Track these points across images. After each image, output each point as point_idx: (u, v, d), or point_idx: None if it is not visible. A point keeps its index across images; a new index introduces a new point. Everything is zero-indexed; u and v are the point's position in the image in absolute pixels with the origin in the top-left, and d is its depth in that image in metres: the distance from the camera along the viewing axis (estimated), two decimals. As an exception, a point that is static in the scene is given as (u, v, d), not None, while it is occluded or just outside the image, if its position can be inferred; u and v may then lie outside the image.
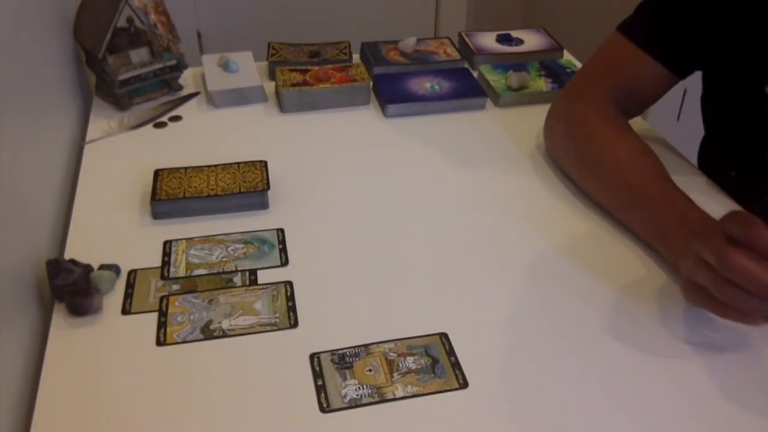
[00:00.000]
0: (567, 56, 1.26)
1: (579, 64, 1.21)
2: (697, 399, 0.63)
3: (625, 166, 0.82)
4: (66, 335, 0.68)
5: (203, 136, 1.02)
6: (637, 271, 0.78)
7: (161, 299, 0.72)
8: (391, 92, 1.10)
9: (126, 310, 0.71)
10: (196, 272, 0.76)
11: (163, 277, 0.75)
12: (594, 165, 0.86)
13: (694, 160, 0.99)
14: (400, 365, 0.65)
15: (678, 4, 0.86)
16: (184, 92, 1.12)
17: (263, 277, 0.76)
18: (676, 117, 1.87)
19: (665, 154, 0.98)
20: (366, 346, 0.67)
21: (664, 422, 0.61)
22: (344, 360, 0.66)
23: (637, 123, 1.06)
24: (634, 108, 0.94)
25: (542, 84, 1.14)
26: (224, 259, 0.78)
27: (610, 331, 0.70)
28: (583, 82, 0.95)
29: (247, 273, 0.76)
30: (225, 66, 1.14)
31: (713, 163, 0.97)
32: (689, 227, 0.71)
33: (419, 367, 0.65)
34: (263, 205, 0.87)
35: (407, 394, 0.63)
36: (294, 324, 0.70)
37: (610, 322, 0.71)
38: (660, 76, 0.89)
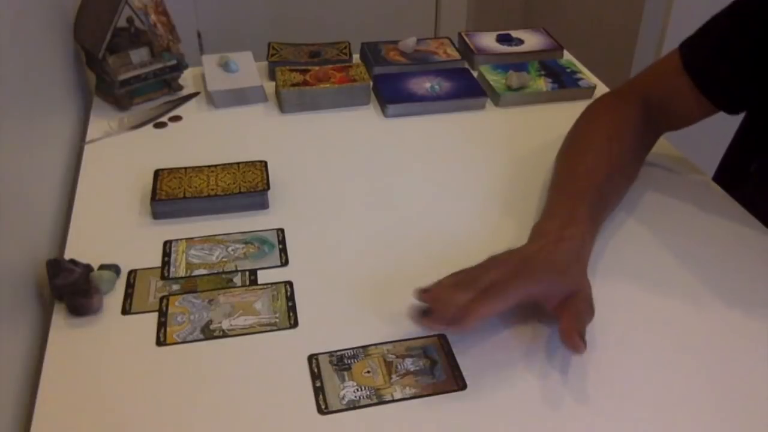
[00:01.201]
0: (567, 56, 1.26)
1: (579, 64, 1.22)
2: (698, 402, 0.63)
3: (586, 151, 0.84)
4: (66, 335, 0.68)
5: (203, 136, 1.02)
6: (637, 271, 0.78)
7: (161, 299, 0.73)
8: (391, 92, 1.10)
9: (126, 310, 0.71)
10: (196, 272, 0.76)
11: (163, 277, 0.75)
12: (570, 138, 0.89)
13: (692, 159, 0.99)
14: (399, 367, 0.65)
15: (738, 42, 0.83)
16: (184, 92, 1.12)
17: (263, 277, 0.76)
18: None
19: (664, 152, 0.98)
20: (365, 347, 0.67)
21: (665, 423, 0.61)
22: (343, 361, 0.66)
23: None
24: (663, 125, 0.92)
25: (542, 84, 1.14)
26: (224, 259, 0.78)
27: (609, 333, 0.70)
28: (627, 84, 0.94)
29: (247, 273, 0.76)
30: (225, 66, 1.14)
31: (738, 171, 0.95)
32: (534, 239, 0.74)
33: (418, 368, 0.65)
34: (263, 205, 0.87)
35: (406, 396, 0.63)
36: (294, 324, 0.70)
37: (610, 322, 0.71)
38: (704, 107, 0.87)
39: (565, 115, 0.94)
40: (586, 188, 0.79)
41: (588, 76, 1.17)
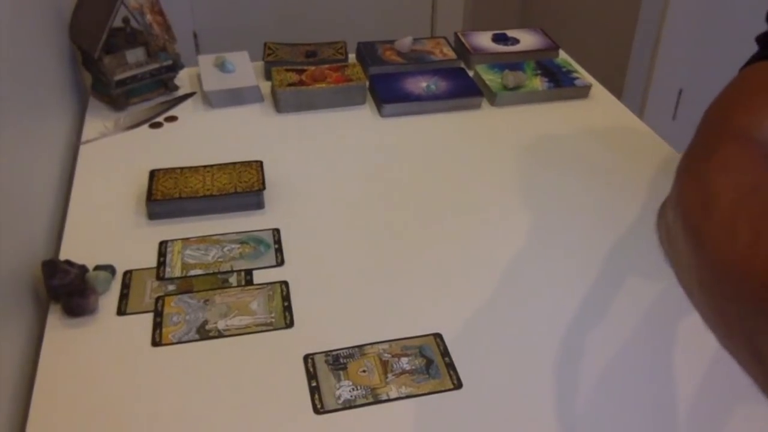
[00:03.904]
0: (563, 55, 1.26)
1: (575, 64, 1.22)
2: (697, 403, 0.63)
3: None
4: (61, 336, 0.68)
5: (199, 136, 1.02)
6: (634, 272, 0.78)
7: (157, 300, 0.72)
8: (388, 92, 1.10)
9: (121, 311, 0.71)
10: (192, 272, 0.76)
11: (158, 278, 0.75)
12: None
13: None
14: (395, 366, 0.65)
15: None
16: (180, 92, 1.12)
17: (259, 277, 0.76)
18: (672, 116, 1.87)
19: (662, 153, 0.99)
20: (360, 346, 0.67)
21: (662, 423, 0.61)
22: (338, 361, 0.66)
23: (633, 122, 1.07)
24: None
25: (538, 83, 1.14)
26: (220, 260, 0.78)
27: (604, 332, 0.70)
28: (717, 125, 0.49)
29: (243, 273, 0.76)
30: (221, 66, 1.14)
31: None
32: None
33: (413, 367, 0.65)
34: (259, 205, 0.87)
35: (401, 395, 0.63)
36: (290, 324, 0.70)
37: (605, 322, 0.71)
38: None
39: (561, 114, 0.94)
40: None
41: (584, 76, 1.17)
